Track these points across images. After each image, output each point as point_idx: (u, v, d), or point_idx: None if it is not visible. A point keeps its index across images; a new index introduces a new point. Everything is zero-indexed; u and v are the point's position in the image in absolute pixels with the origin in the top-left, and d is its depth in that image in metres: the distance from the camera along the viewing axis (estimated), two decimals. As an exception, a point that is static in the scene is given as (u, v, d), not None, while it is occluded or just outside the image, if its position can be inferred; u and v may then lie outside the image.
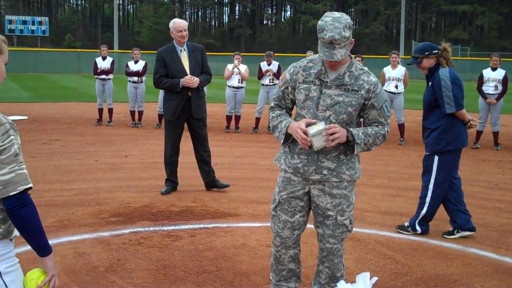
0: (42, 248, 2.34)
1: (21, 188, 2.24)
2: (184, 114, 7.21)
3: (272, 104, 3.77)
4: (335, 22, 3.26)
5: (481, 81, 11.92)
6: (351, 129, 3.48)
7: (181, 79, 7.06)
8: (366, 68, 3.57)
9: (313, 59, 3.59)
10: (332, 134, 3.37)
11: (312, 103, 3.49)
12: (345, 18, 3.31)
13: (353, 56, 3.58)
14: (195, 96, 7.20)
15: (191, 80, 7.06)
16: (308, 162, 3.57)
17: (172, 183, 7.45)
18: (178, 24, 7.12)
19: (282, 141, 3.64)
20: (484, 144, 12.14)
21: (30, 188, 2.29)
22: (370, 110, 3.51)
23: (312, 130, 3.38)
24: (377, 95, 3.47)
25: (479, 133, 11.98)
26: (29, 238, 2.30)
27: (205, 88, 7.84)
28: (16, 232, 2.35)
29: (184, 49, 7.24)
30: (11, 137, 2.25)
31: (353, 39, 3.40)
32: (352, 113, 3.49)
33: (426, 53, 5.66)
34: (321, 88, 3.48)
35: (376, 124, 3.55)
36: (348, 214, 3.62)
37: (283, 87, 3.67)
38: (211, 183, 7.49)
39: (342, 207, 3.59)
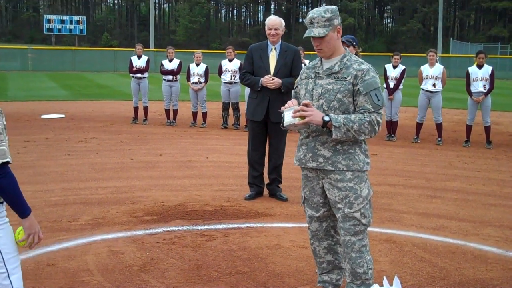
0: (20, 212, 2.78)
1: None
2: (264, 116, 6.87)
3: None
4: (319, 9, 3.65)
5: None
6: (330, 113, 3.57)
7: (261, 78, 6.81)
8: (361, 60, 3.71)
9: (316, 59, 3.84)
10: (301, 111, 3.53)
11: (308, 95, 3.71)
12: (330, 6, 3.68)
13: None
14: (275, 98, 6.74)
15: (269, 80, 6.74)
16: (307, 150, 3.72)
17: (257, 188, 7.10)
18: (270, 22, 6.88)
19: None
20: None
21: (8, 162, 2.67)
22: (357, 96, 3.59)
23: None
24: (364, 81, 3.58)
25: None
26: (9, 203, 2.74)
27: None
28: None
29: (275, 49, 6.92)
30: None
31: (339, 27, 3.64)
32: (342, 100, 3.60)
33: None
34: (315, 80, 3.70)
35: (363, 111, 3.57)
36: (357, 207, 3.64)
37: (295, 88, 3.97)
38: (272, 191, 7.18)
39: (349, 199, 3.63)
